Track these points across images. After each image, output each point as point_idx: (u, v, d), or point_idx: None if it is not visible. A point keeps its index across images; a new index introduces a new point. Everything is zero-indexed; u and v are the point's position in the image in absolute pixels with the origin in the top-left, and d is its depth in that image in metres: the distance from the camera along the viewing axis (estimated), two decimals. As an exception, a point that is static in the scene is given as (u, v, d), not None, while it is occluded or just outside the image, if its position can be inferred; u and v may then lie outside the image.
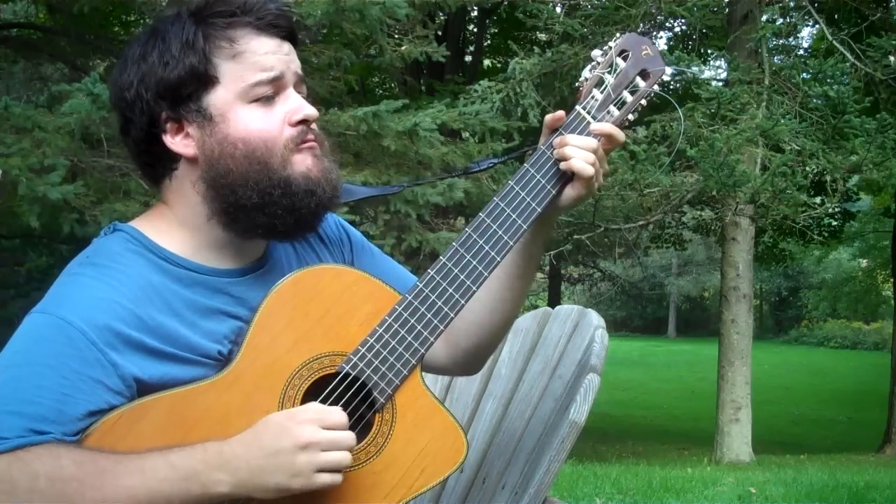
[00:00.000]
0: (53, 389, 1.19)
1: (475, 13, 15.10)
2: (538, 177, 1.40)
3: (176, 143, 1.31)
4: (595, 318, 1.73)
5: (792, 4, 10.70)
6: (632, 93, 1.45)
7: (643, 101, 1.46)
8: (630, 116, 1.46)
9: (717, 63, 14.87)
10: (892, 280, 19.82)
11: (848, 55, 8.80)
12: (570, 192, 1.42)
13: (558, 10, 10.11)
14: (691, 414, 18.46)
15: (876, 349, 28.64)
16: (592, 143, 1.39)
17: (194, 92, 1.30)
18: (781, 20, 10.23)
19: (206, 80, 1.29)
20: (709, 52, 13.76)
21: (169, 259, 1.32)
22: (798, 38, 13.07)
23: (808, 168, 8.91)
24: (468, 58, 15.59)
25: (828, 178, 8.74)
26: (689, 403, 20.08)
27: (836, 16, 11.78)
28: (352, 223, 1.77)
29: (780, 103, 8.60)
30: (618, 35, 1.48)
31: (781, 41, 10.71)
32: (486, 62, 16.52)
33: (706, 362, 19.91)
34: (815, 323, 36.39)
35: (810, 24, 11.37)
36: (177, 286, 1.30)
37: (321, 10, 6.28)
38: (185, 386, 1.27)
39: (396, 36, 9.09)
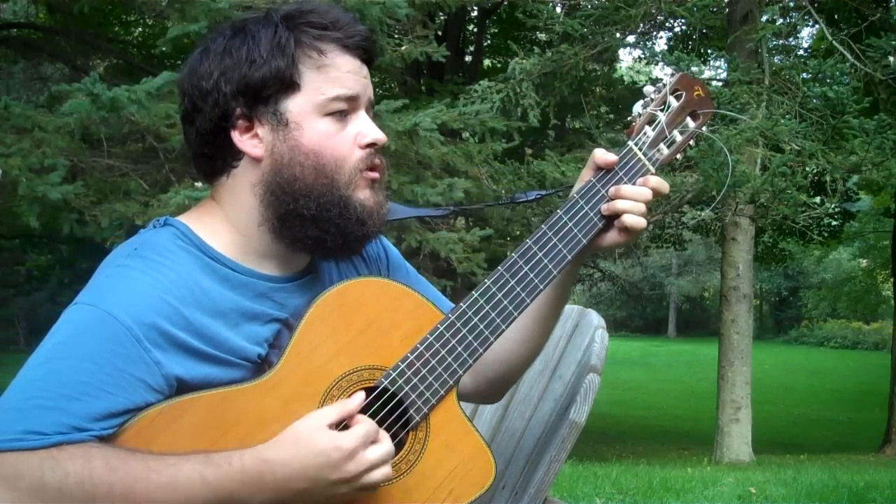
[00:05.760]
0: (95, 386, 1.18)
1: (475, 13, 15.11)
2: (587, 209, 1.40)
3: (244, 141, 1.32)
4: (595, 318, 1.73)
5: (792, 4, 10.70)
6: (681, 133, 1.46)
7: (691, 142, 1.47)
8: (678, 156, 1.47)
9: (717, 63, 14.88)
10: (892, 280, 19.82)
11: (848, 55, 8.80)
12: (613, 236, 1.43)
13: (558, 10, 10.11)
14: (691, 414, 18.47)
15: (876, 349, 28.67)
16: (647, 195, 1.40)
17: (274, 95, 1.30)
18: (781, 20, 10.23)
19: (289, 85, 1.30)
20: (709, 52, 13.77)
21: (216, 259, 1.31)
22: (798, 38, 13.08)
23: (807, 168, 8.91)
24: (468, 58, 15.59)
25: (827, 178, 8.73)
26: (689, 403, 20.09)
27: (836, 16, 11.79)
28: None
29: (779, 103, 8.60)
30: (673, 73, 1.48)
31: (781, 41, 10.71)
32: (486, 62, 16.52)
33: (706, 362, 19.93)
34: (815, 323, 36.40)
35: (810, 24, 11.38)
36: (223, 287, 1.30)
37: (321, 10, 6.27)
38: (226, 387, 1.27)
39: (396, 36, 9.09)
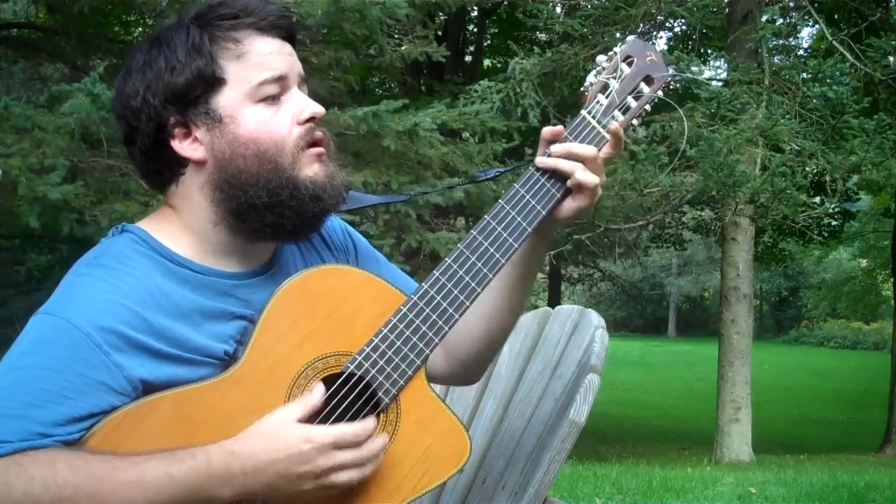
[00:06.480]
0: (56, 392, 1.20)
1: (475, 13, 15.11)
2: (542, 180, 1.41)
3: (184, 147, 1.32)
4: (595, 318, 1.73)
5: (792, 4, 10.70)
6: (636, 98, 1.46)
7: (647, 107, 1.48)
8: (634, 121, 1.47)
9: (717, 63, 14.88)
10: (892, 280, 19.82)
11: (847, 55, 8.80)
12: (570, 203, 1.43)
13: (558, 10, 10.12)
14: (691, 414, 18.47)
15: (876, 349, 28.67)
16: (592, 151, 1.40)
17: (202, 94, 1.30)
18: (781, 20, 10.23)
19: (213, 81, 1.30)
20: (709, 52, 13.78)
21: (176, 261, 1.32)
22: (798, 38, 13.09)
23: (807, 168, 8.92)
24: (468, 58, 15.59)
25: (827, 178, 8.74)
26: (689, 403, 20.09)
27: (835, 16, 11.80)
28: (351, 223, 1.77)
29: (779, 103, 8.60)
30: (622, 40, 1.49)
31: (781, 41, 10.71)
32: (486, 62, 16.52)
33: (706, 362, 19.92)
34: (815, 323, 36.39)
35: (810, 24, 11.37)
36: (183, 289, 1.31)
37: (321, 9, 6.28)
38: (190, 385, 1.27)
39: (396, 36, 9.09)
